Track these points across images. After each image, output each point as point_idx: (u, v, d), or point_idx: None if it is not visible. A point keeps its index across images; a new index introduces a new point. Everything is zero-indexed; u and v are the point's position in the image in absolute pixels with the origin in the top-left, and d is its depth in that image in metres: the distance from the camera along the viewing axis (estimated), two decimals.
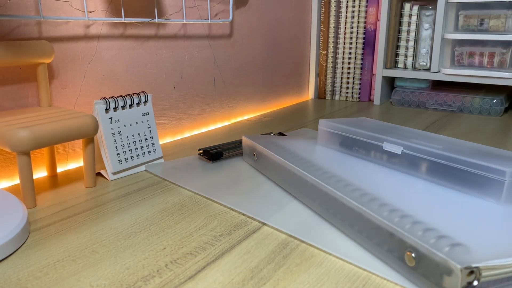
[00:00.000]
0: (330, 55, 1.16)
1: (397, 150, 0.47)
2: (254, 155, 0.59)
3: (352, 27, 1.12)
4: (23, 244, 0.40)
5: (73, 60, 0.62)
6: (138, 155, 0.60)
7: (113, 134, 0.57)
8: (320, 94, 1.21)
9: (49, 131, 0.47)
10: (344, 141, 0.54)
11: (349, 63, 1.15)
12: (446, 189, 0.42)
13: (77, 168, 0.62)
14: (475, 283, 0.29)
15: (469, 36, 0.96)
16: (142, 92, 0.61)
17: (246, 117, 0.98)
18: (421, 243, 0.32)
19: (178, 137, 0.81)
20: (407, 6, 1.05)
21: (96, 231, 0.43)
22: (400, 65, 1.10)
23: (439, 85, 1.12)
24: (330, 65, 1.17)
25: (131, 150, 0.59)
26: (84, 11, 0.61)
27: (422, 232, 0.33)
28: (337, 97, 1.19)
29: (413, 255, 0.33)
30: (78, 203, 0.50)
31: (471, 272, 0.29)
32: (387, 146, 0.48)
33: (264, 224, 0.45)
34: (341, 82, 1.17)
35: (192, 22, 0.79)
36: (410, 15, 1.05)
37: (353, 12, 1.11)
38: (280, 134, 0.76)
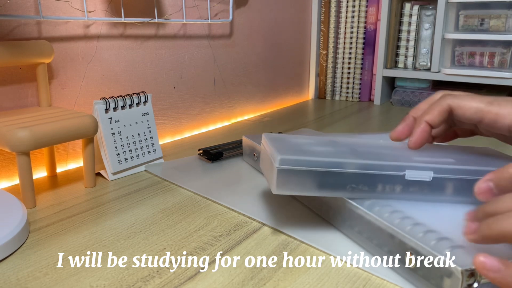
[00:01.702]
0: (330, 55, 1.16)
1: (426, 176, 0.38)
2: (254, 155, 0.59)
3: (352, 27, 1.12)
4: (22, 244, 0.40)
5: (73, 60, 0.62)
6: (138, 155, 0.60)
7: (113, 134, 0.57)
8: (320, 94, 1.21)
9: (48, 131, 0.47)
10: (325, 179, 0.37)
11: (349, 63, 1.15)
12: None
13: (77, 168, 0.62)
14: (475, 285, 0.29)
15: (469, 36, 0.96)
16: (142, 92, 0.61)
17: (246, 117, 0.98)
18: (421, 245, 0.32)
19: (178, 137, 0.81)
20: (407, 6, 1.05)
21: (96, 232, 0.43)
22: (400, 65, 1.10)
23: (439, 85, 1.12)
24: (330, 65, 1.17)
25: (131, 150, 0.59)
26: (84, 11, 0.61)
27: (423, 234, 0.33)
28: (337, 97, 1.19)
29: (413, 256, 0.33)
30: (78, 203, 0.50)
31: (472, 274, 0.29)
32: (412, 174, 0.38)
33: (264, 224, 0.44)
34: (341, 82, 1.17)
35: (192, 22, 0.79)
36: (410, 15, 1.05)
37: (353, 12, 1.11)
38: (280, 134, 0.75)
